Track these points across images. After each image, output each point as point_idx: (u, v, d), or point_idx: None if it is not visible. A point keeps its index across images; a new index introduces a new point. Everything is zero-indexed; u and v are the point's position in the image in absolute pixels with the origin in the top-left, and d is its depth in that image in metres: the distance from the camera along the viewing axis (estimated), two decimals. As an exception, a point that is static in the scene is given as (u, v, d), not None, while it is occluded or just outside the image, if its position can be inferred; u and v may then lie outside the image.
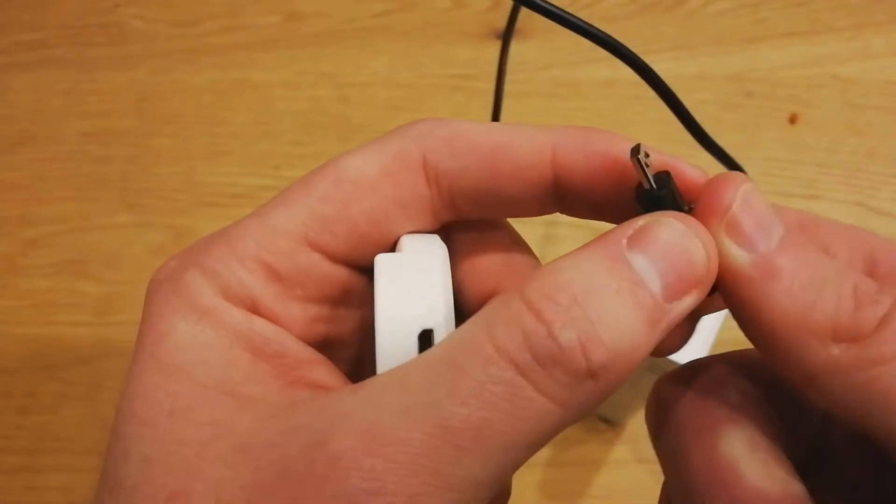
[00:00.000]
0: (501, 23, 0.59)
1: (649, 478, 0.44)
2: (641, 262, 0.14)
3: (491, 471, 0.13)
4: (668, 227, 0.15)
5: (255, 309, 0.16)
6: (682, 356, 0.32)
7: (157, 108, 0.57)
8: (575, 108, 0.57)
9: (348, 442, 0.13)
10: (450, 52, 0.59)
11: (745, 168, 0.32)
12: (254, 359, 0.15)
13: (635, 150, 0.15)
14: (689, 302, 0.15)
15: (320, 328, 0.17)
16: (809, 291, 0.14)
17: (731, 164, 0.30)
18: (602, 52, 0.21)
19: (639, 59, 0.21)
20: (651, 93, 0.23)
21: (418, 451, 0.13)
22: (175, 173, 0.54)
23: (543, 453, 0.44)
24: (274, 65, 0.59)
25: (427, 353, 0.14)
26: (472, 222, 0.19)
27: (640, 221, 0.15)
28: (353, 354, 0.19)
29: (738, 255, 0.15)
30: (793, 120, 0.56)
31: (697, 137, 0.25)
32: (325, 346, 0.17)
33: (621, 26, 0.61)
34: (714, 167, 0.33)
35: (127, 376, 0.15)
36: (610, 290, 0.14)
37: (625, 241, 0.15)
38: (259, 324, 0.16)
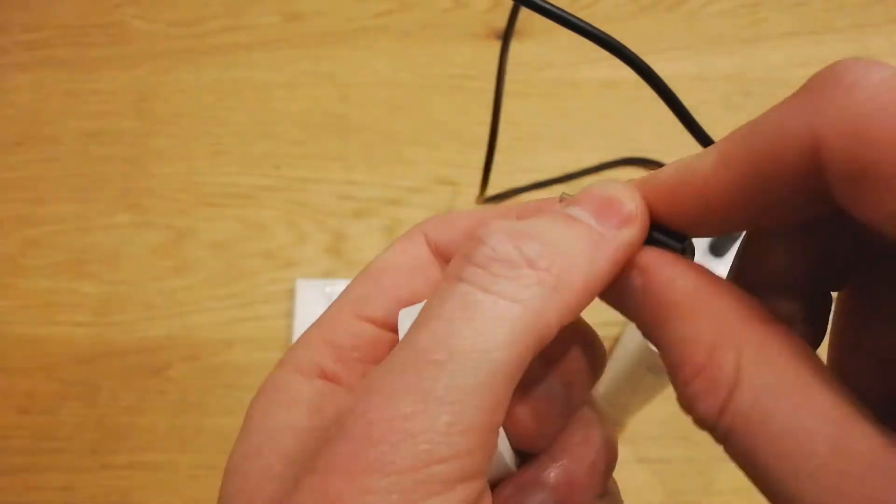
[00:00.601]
0: (501, 23, 0.59)
1: (649, 478, 0.44)
2: (576, 210, 0.16)
3: (473, 378, 0.14)
4: (597, 186, 0.17)
5: (321, 372, 0.19)
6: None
7: (157, 108, 0.58)
8: (575, 108, 0.57)
9: (358, 403, 0.15)
10: (450, 52, 0.59)
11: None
12: (316, 415, 0.18)
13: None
14: (627, 234, 0.16)
15: None
16: None
17: (731, 164, 0.30)
18: (602, 52, 0.21)
19: (639, 59, 0.21)
20: (651, 93, 0.23)
21: (402, 375, 0.14)
22: (175, 173, 0.55)
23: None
24: (274, 65, 0.59)
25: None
26: None
27: (578, 193, 0.17)
28: None
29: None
30: (793, 120, 0.56)
31: (697, 137, 0.25)
32: None
33: (621, 26, 0.61)
34: (714, 167, 0.33)
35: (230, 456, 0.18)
36: (544, 223, 0.16)
37: (559, 203, 0.17)
38: (320, 384, 0.19)
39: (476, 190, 0.49)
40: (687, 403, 0.15)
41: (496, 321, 0.15)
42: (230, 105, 0.58)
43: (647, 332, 0.16)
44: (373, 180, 0.54)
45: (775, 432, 0.13)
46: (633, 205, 0.16)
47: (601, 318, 0.49)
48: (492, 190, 0.51)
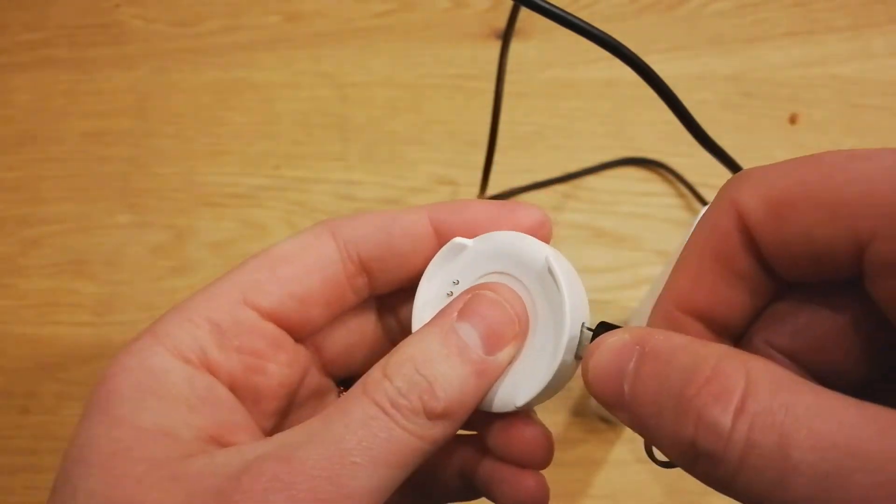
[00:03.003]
0: (501, 23, 0.59)
1: (649, 478, 0.44)
2: (466, 329, 0.19)
3: (377, 483, 0.17)
4: (484, 299, 0.20)
5: (203, 357, 0.20)
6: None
7: (157, 108, 0.58)
8: (575, 108, 0.57)
9: (268, 465, 0.17)
10: (450, 52, 0.59)
11: (744, 168, 0.32)
12: (190, 412, 0.19)
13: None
14: (508, 351, 0.20)
15: (254, 379, 0.21)
16: None
17: (731, 164, 0.30)
18: (602, 52, 0.21)
19: (639, 59, 0.21)
20: (651, 93, 0.23)
21: (323, 465, 0.17)
22: (175, 173, 0.55)
23: (543, 453, 0.44)
24: (274, 65, 0.59)
25: (319, 415, 0.19)
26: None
27: (468, 296, 0.20)
28: (277, 408, 0.22)
29: None
30: (793, 120, 0.56)
31: (697, 137, 0.25)
32: (257, 396, 0.21)
33: (621, 26, 0.61)
34: (714, 167, 0.33)
35: (75, 428, 0.19)
36: (442, 355, 0.19)
37: (454, 314, 0.20)
38: (200, 381, 0.20)
39: (476, 190, 0.49)
40: (694, 416, 0.15)
41: (406, 448, 0.18)
42: (230, 105, 0.58)
43: (637, 395, 0.17)
44: (373, 180, 0.54)
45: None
46: (514, 324, 0.20)
47: (601, 318, 0.49)
48: (492, 190, 0.51)
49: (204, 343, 0.20)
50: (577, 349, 0.20)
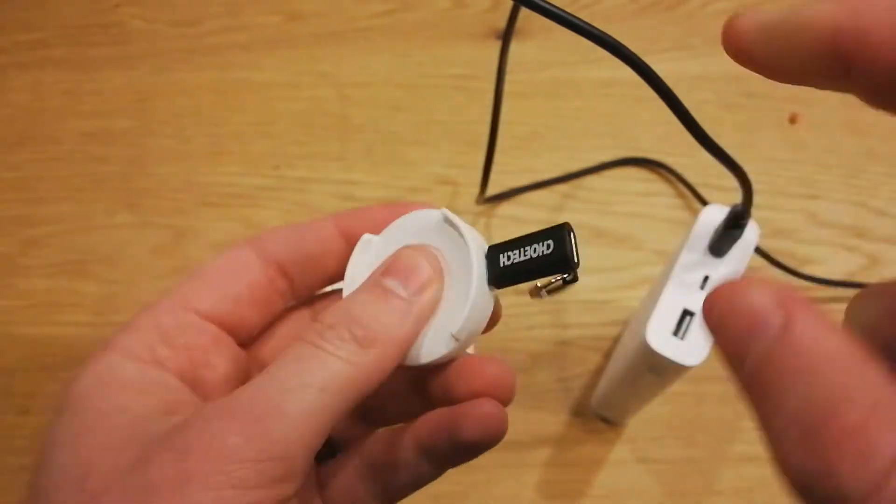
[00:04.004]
0: (501, 23, 0.59)
1: (649, 478, 0.44)
2: (390, 280, 0.22)
3: (312, 405, 0.19)
4: (401, 255, 0.22)
5: (152, 354, 0.22)
6: (685, 357, 0.33)
7: (157, 108, 0.58)
8: (575, 108, 0.57)
9: (212, 406, 0.19)
10: (450, 52, 0.59)
11: (745, 168, 0.32)
12: (142, 395, 0.21)
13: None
14: (430, 294, 0.22)
15: (200, 372, 0.24)
16: None
17: (732, 164, 0.30)
18: (602, 53, 0.21)
19: (639, 59, 0.21)
20: (651, 93, 0.23)
21: (260, 395, 0.19)
22: (175, 173, 0.55)
23: (543, 453, 0.44)
24: (274, 65, 0.59)
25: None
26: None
27: (389, 259, 0.22)
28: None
29: None
30: (793, 120, 0.56)
31: (698, 138, 0.25)
32: (204, 387, 0.24)
33: (621, 26, 0.61)
34: (714, 167, 0.33)
35: (45, 433, 0.21)
36: (370, 300, 0.21)
37: (379, 273, 0.22)
38: (149, 372, 0.22)
39: (476, 190, 0.49)
40: (823, 459, 0.12)
41: (337, 372, 0.20)
42: (230, 105, 0.58)
43: (762, 376, 0.14)
44: (373, 180, 0.54)
45: None
46: (429, 271, 0.22)
47: (601, 318, 0.49)
48: (492, 190, 0.51)
49: (152, 343, 0.22)
50: (488, 277, 0.22)
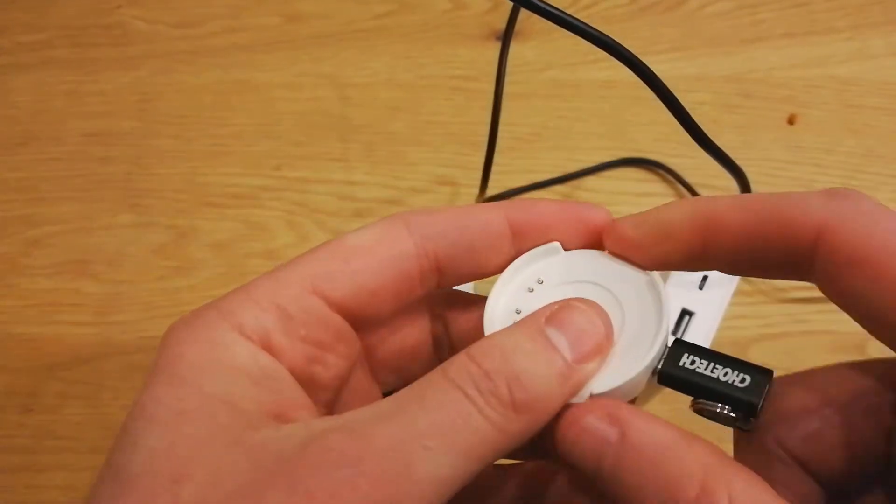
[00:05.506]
0: (501, 24, 0.59)
1: (649, 477, 0.44)
2: (555, 333, 0.19)
3: (448, 473, 0.16)
4: (575, 310, 0.19)
5: (266, 341, 0.19)
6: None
7: (158, 108, 0.58)
8: (574, 109, 0.57)
9: (335, 438, 0.16)
10: (450, 53, 0.60)
11: (743, 169, 0.32)
12: (253, 385, 0.18)
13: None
14: (593, 366, 0.19)
15: (313, 368, 0.20)
16: None
17: (730, 165, 0.30)
18: (601, 53, 0.22)
19: (638, 60, 0.22)
20: (650, 94, 0.23)
21: (393, 445, 0.16)
22: (176, 174, 0.55)
23: (543, 452, 0.44)
24: (275, 66, 0.59)
25: (389, 397, 0.18)
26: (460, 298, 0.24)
27: (556, 305, 0.19)
28: (331, 399, 0.22)
29: None
30: (791, 121, 0.56)
31: (696, 138, 0.26)
32: (313, 385, 0.21)
33: (620, 27, 0.61)
34: (713, 168, 0.33)
35: (141, 387, 0.18)
36: (530, 350, 0.18)
37: (542, 319, 0.19)
38: (263, 359, 0.19)
39: (476, 190, 0.49)
40: None
41: (482, 439, 0.17)
42: (231, 106, 0.58)
43: (618, 479, 0.17)
44: (373, 180, 0.54)
45: None
46: (603, 339, 0.19)
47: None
48: (492, 190, 0.51)
49: (268, 326, 0.19)
50: (659, 368, 0.20)
